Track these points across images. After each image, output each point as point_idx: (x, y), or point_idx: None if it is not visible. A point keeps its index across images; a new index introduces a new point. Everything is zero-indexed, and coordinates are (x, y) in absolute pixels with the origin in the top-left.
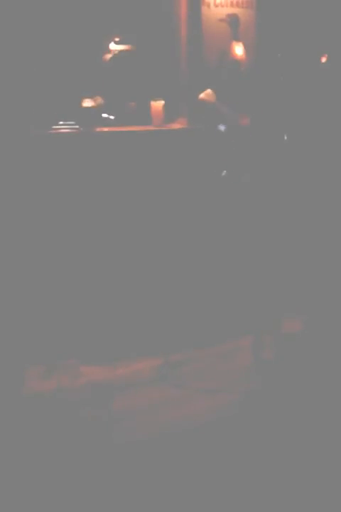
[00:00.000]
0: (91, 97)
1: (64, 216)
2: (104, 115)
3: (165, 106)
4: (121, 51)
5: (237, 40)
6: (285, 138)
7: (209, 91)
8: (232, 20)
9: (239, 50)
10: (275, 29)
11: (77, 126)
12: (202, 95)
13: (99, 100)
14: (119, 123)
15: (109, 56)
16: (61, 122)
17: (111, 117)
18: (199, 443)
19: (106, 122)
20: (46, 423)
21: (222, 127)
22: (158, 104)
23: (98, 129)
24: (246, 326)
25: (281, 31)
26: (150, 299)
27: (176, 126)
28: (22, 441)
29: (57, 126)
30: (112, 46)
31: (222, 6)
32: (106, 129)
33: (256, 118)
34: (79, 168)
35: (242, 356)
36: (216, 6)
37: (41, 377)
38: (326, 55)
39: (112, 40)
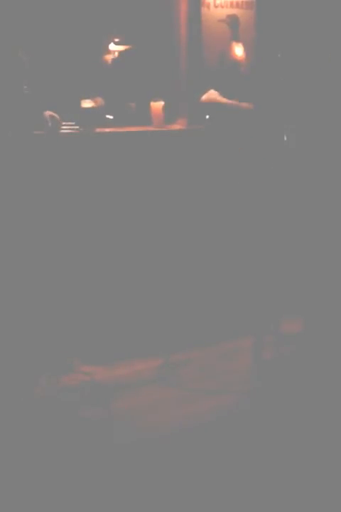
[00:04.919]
0: (91, 97)
1: (64, 217)
2: (108, 116)
3: (165, 106)
4: (121, 51)
5: (237, 40)
6: (285, 139)
7: (211, 91)
8: (232, 21)
9: (238, 50)
10: (275, 29)
11: (77, 127)
12: (204, 97)
13: (100, 101)
14: (119, 124)
15: (108, 57)
16: (61, 123)
17: (110, 117)
18: (199, 443)
19: (106, 123)
20: (46, 423)
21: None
22: (158, 105)
23: (98, 130)
24: (246, 326)
25: (281, 31)
26: (150, 299)
27: (176, 127)
28: (22, 441)
29: None
30: (112, 47)
31: (222, 7)
32: (106, 130)
33: (256, 119)
34: (79, 168)
35: (242, 356)
36: (216, 6)
37: (41, 376)
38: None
39: (112, 40)
